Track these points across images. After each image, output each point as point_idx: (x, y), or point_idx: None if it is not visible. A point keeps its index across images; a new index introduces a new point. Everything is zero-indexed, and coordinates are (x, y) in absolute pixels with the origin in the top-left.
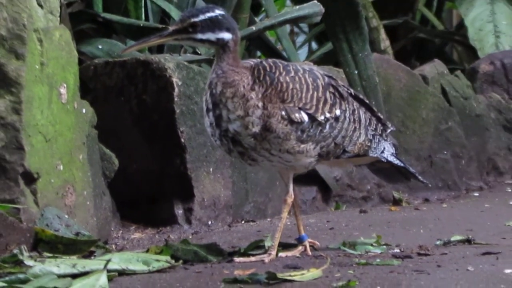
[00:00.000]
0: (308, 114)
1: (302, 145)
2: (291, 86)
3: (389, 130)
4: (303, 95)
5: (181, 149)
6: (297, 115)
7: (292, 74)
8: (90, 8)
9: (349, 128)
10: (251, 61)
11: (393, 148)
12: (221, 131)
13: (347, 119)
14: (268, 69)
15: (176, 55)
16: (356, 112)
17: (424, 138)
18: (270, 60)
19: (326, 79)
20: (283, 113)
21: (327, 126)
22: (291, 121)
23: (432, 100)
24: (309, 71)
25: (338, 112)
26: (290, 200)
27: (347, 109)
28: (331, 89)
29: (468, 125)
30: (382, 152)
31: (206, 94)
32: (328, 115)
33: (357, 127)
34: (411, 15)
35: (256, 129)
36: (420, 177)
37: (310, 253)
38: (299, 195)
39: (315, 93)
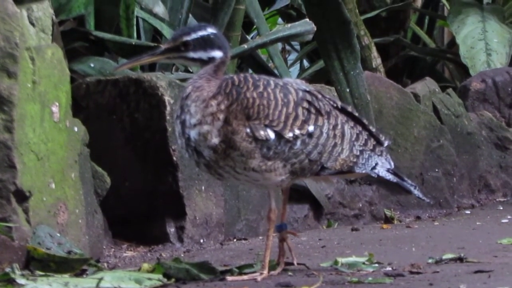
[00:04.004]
0: (274, 131)
1: (269, 163)
2: (257, 102)
3: (385, 145)
4: (270, 111)
5: (173, 167)
6: (262, 132)
7: (261, 89)
8: (82, 26)
9: (327, 143)
10: (228, 76)
11: (390, 164)
12: (185, 139)
13: (325, 134)
14: (236, 83)
15: (168, 73)
16: (339, 127)
17: (416, 156)
18: (242, 75)
19: (301, 94)
20: (248, 130)
21: (298, 143)
22: (256, 139)
23: (423, 118)
24: (282, 86)
25: (311, 128)
26: (273, 216)
27: (325, 124)
28: (305, 105)
29: (459, 143)
30: (374, 168)
31: (179, 100)
32: (297, 131)
33: (338, 142)
34: (403, 33)
35: (215, 141)
36: (415, 192)
37: (290, 245)
38: (290, 213)
39: (284, 109)
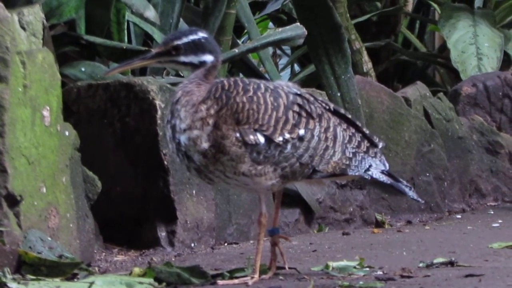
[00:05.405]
0: (264, 135)
1: (259, 167)
2: (247, 106)
3: (380, 146)
4: (260, 116)
5: (164, 171)
6: (251, 137)
7: (251, 94)
8: (73, 30)
9: (319, 146)
10: (219, 79)
11: (385, 165)
12: (176, 144)
13: (316, 137)
14: (226, 87)
15: (159, 77)
16: (331, 129)
17: (407, 161)
18: (232, 79)
19: (291, 97)
20: (237, 135)
21: (289, 147)
22: (245, 143)
23: (414, 123)
24: (272, 89)
25: (302, 131)
26: (264, 220)
27: (316, 127)
28: (296, 108)
29: (450, 147)
30: (367, 170)
31: (169, 104)
32: (288, 135)
33: (330, 145)
34: (394, 37)
35: (204, 145)
36: (410, 193)
37: (282, 249)
38: (281, 218)
39: (274, 113)
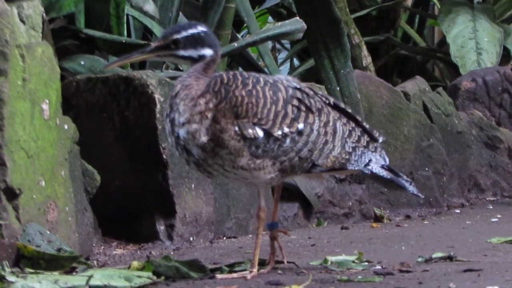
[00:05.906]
0: (263, 129)
1: (258, 161)
2: (246, 100)
3: (380, 141)
4: (259, 109)
5: (163, 165)
6: (250, 131)
7: (250, 87)
8: (73, 24)
9: (318, 141)
10: (218, 73)
11: (385, 160)
12: (175, 137)
13: (315, 131)
14: (225, 81)
15: (158, 71)
16: (331, 124)
17: (406, 155)
18: (231, 72)
19: (291, 91)
20: (236, 128)
21: (287, 141)
22: (244, 137)
23: (413, 117)
24: (271, 83)
25: (301, 126)
26: (263, 214)
27: (316, 121)
28: (295, 102)
29: (449, 142)
30: (367, 164)
31: (168, 98)
32: (287, 129)
33: (330, 139)
34: (393, 32)
35: (203, 139)
36: (410, 188)
37: (281, 243)
38: (280, 212)
39: (273, 107)
